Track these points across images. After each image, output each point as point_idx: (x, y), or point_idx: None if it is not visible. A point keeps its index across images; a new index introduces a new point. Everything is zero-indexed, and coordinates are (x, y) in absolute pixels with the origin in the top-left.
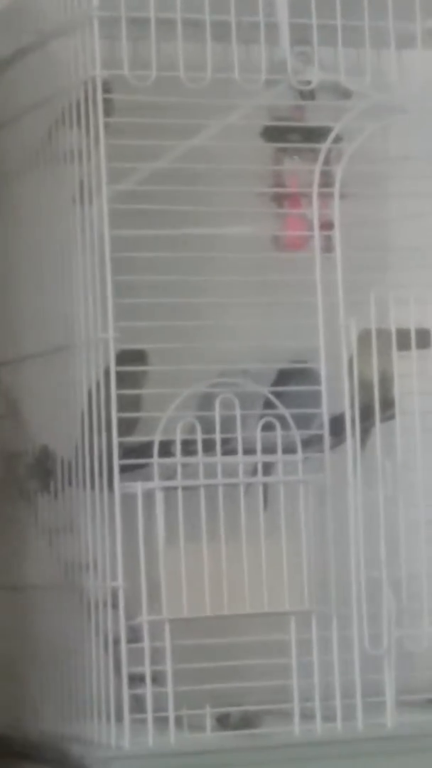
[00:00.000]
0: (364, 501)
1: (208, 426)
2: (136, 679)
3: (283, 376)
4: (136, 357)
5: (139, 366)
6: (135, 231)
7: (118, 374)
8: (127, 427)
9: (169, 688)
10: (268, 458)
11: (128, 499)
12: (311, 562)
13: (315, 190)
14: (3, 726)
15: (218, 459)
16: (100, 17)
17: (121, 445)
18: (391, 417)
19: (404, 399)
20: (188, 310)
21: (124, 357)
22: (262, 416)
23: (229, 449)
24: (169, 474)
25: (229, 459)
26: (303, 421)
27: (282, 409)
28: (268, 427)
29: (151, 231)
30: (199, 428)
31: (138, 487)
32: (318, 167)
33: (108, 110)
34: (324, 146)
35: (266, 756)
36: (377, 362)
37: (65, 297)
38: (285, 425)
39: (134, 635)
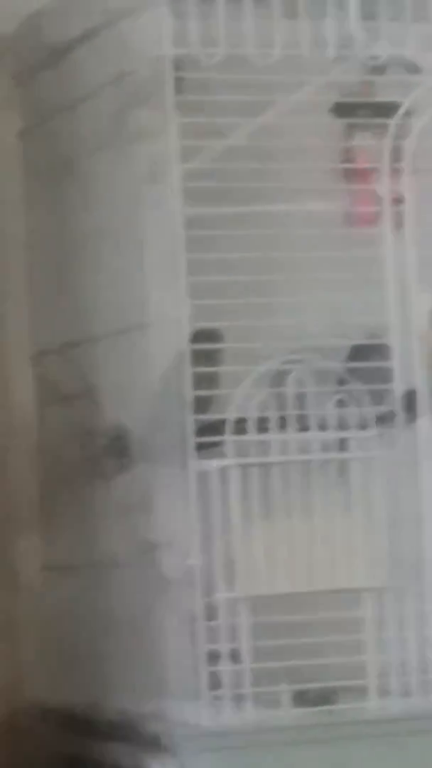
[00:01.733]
0: None
1: (281, 403)
2: (213, 657)
3: (357, 352)
4: (211, 336)
5: (209, 344)
6: (207, 209)
7: (194, 352)
8: (202, 405)
9: (247, 665)
10: (342, 435)
11: (203, 477)
12: (385, 538)
13: (385, 165)
14: (81, 705)
15: (292, 436)
16: None
17: (196, 423)
18: None
19: None
20: (261, 287)
21: (199, 336)
22: (335, 393)
23: (303, 426)
24: (243, 451)
25: (303, 436)
26: (376, 397)
27: (354, 385)
28: (341, 404)
29: (224, 209)
30: (273, 405)
31: (213, 465)
32: (388, 142)
33: (178, 89)
34: (393, 121)
35: (343, 732)
36: None
37: (139, 276)
38: (358, 401)
39: (211, 613)
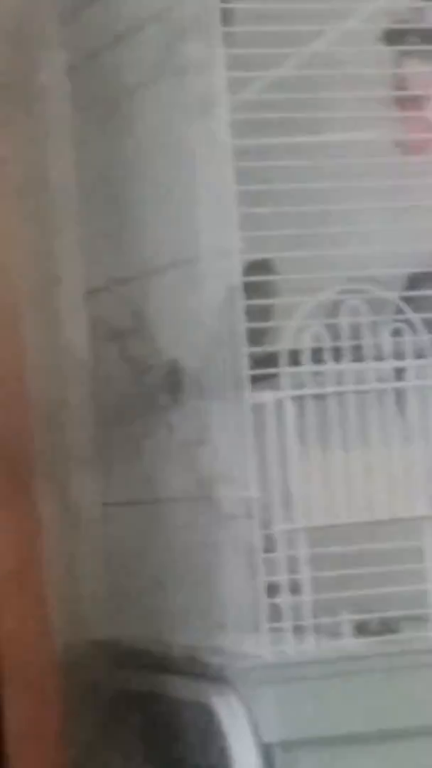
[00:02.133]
0: None
1: (336, 334)
2: (272, 589)
3: (413, 281)
4: (264, 267)
5: (262, 276)
6: (258, 140)
7: (246, 285)
8: (256, 337)
9: (307, 596)
10: (399, 364)
11: (259, 409)
12: None
13: None
14: (143, 640)
15: (347, 366)
16: None
17: (250, 355)
18: None
19: None
20: (314, 217)
21: (251, 268)
22: (391, 322)
23: (359, 356)
24: (298, 383)
25: (359, 366)
26: None
27: (410, 314)
28: (397, 333)
29: (274, 139)
30: (327, 336)
31: (268, 397)
32: None
33: (226, 19)
34: None
35: (405, 661)
36: None
37: (190, 209)
38: (415, 330)
39: (270, 545)
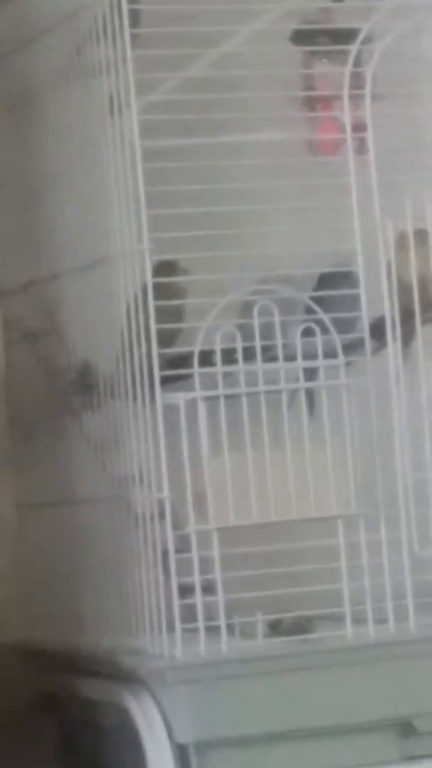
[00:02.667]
0: (408, 402)
1: (249, 334)
2: (186, 589)
3: (325, 281)
4: (174, 268)
5: (172, 276)
6: (167, 141)
7: (157, 286)
8: (168, 338)
9: (220, 596)
10: (309, 364)
11: (171, 410)
12: (357, 465)
13: (346, 92)
14: (57, 642)
15: (259, 366)
16: None
17: (162, 356)
18: None
19: None
20: (225, 218)
21: (161, 269)
22: (303, 322)
23: (271, 356)
24: (211, 384)
25: (270, 366)
26: (345, 326)
27: (321, 314)
28: (309, 333)
29: (183, 140)
30: (239, 336)
31: (180, 398)
32: (348, 69)
33: (135, 21)
34: (353, 47)
35: (319, 660)
36: (416, 263)
37: (101, 210)
38: (326, 330)
39: (183, 545)
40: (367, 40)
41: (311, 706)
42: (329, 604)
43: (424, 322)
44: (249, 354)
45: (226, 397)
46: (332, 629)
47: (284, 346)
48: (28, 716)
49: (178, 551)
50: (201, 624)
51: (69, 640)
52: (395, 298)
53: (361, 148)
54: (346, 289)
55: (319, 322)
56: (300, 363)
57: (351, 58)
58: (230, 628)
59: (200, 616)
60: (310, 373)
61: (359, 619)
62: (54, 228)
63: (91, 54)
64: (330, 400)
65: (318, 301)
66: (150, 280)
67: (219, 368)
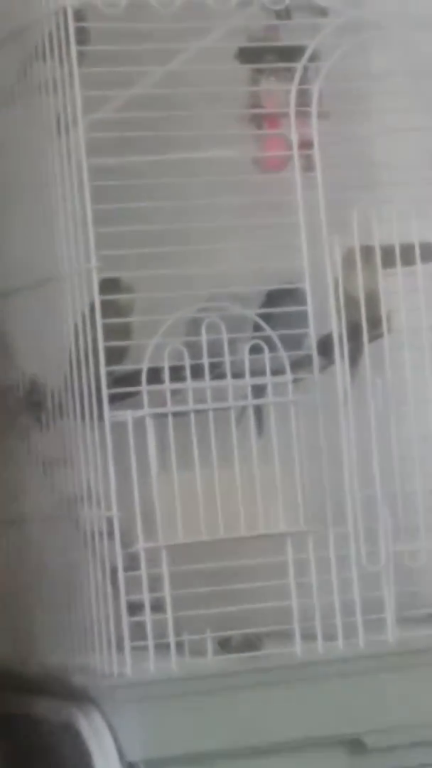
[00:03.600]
0: (356, 419)
1: (197, 352)
2: (135, 607)
3: (272, 298)
4: (119, 286)
5: (117, 294)
6: (113, 159)
7: (104, 303)
8: (116, 356)
9: (169, 614)
10: (257, 381)
11: (119, 428)
12: (305, 482)
13: (292, 109)
14: (6, 660)
15: (207, 384)
16: None
17: (110, 374)
18: (380, 335)
19: (392, 316)
20: (172, 236)
21: (106, 286)
22: (250, 339)
23: (219, 374)
24: (160, 402)
25: (218, 383)
26: (293, 343)
27: (269, 331)
28: (256, 350)
29: (130, 158)
30: (187, 354)
31: (128, 416)
32: (294, 86)
33: (81, 39)
34: (300, 65)
35: (269, 677)
36: (363, 280)
37: (49, 228)
38: (274, 347)
39: (132, 563)
40: (314, 57)
41: (261, 723)
42: (278, 621)
43: (372, 338)
44: (197, 371)
45: (175, 414)
46: (281, 646)
47: (232, 363)
48: None
49: (127, 569)
50: (150, 642)
51: (19, 658)
52: (343, 315)
53: (307, 165)
54: (294, 306)
55: (267, 339)
56: (248, 380)
57: (297, 76)
58: (180, 645)
59: (150, 633)
60: (259, 391)
61: (308, 636)
62: (1, 246)
63: (37, 72)
64: (278, 417)
65: (266, 318)
66: (98, 298)
67: (167, 385)
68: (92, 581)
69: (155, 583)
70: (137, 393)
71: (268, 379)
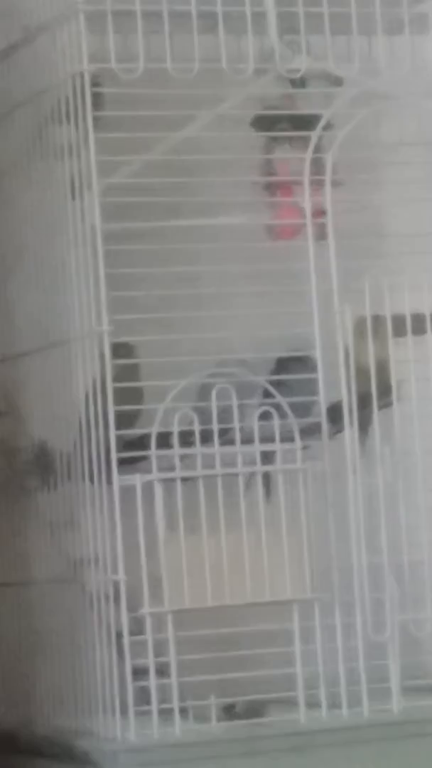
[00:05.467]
0: (364, 488)
1: (206, 417)
2: (140, 672)
3: (282, 365)
4: (123, 350)
5: (127, 359)
6: (127, 224)
7: (115, 368)
8: (127, 420)
9: (173, 680)
10: (266, 447)
11: (128, 492)
12: (312, 550)
13: (306, 177)
14: (10, 722)
15: (216, 449)
16: (86, 11)
17: (120, 438)
18: (389, 404)
19: (402, 385)
20: (184, 301)
21: (118, 351)
22: (260, 405)
23: (228, 440)
24: (169, 466)
25: (227, 449)
26: (302, 410)
27: (279, 398)
28: (266, 417)
29: (144, 223)
30: (196, 419)
31: (137, 480)
32: (309, 155)
33: (97, 104)
34: (314, 134)
35: (272, 745)
36: (374, 349)
37: (60, 292)
38: (284, 414)
39: (137, 628)
40: (328, 126)
41: None
42: (283, 689)
43: (381, 407)
44: (206, 437)
45: (183, 479)
46: (285, 713)
47: (241, 429)
48: None
49: (132, 633)
50: (154, 707)
51: (24, 721)
52: (353, 383)
53: (320, 233)
54: (304, 374)
55: (277, 406)
56: (257, 446)
57: (312, 144)
58: (184, 711)
59: (154, 698)
60: (267, 457)
61: (313, 704)
62: (13, 308)
63: (53, 136)
64: (286, 483)
65: (276, 384)
66: (109, 362)
67: (176, 450)
68: (97, 645)
69: (160, 647)
70: (146, 457)
71: (277, 446)
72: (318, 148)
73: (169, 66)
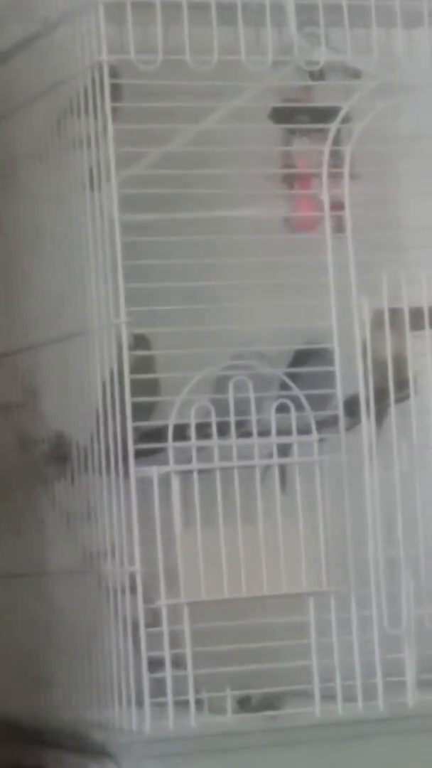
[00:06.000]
0: (381, 481)
1: (223, 409)
2: (156, 663)
3: (300, 358)
4: (139, 342)
5: (144, 350)
6: (145, 215)
7: (133, 359)
8: (144, 411)
9: (189, 672)
10: (283, 440)
11: (144, 484)
12: (329, 542)
13: (325, 170)
14: (26, 714)
15: (233, 441)
16: (106, 2)
17: (137, 429)
18: (406, 397)
19: (419, 378)
20: (202, 293)
21: (136, 342)
22: (277, 398)
23: (245, 432)
24: (185, 458)
25: (244, 441)
26: (319, 402)
27: (296, 390)
28: (283, 409)
29: (162, 215)
30: (213, 411)
31: (153, 471)
32: (327, 147)
33: (116, 95)
34: (333, 126)
35: (287, 737)
36: (391, 342)
37: (78, 283)
38: (300, 406)
39: (153, 619)
40: (346, 119)
41: None
42: (298, 681)
43: (398, 400)
44: (223, 429)
45: (200, 471)
46: (301, 706)
47: (258, 421)
48: None
49: (148, 625)
50: (170, 698)
51: (38, 712)
52: (370, 376)
53: (338, 226)
54: (321, 366)
55: (294, 399)
56: (274, 439)
57: (330, 137)
58: (199, 703)
59: (169, 690)
60: (284, 449)
61: (328, 697)
62: (31, 299)
63: (71, 127)
64: (303, 476)
65: (293, 377)
66: (126, 354)
67: (193, 442)
68: (113, 636)
69: (176, 639)
70: (163, 449)
71: (294, 439)
72: (336, 141)
73: (188, 57)
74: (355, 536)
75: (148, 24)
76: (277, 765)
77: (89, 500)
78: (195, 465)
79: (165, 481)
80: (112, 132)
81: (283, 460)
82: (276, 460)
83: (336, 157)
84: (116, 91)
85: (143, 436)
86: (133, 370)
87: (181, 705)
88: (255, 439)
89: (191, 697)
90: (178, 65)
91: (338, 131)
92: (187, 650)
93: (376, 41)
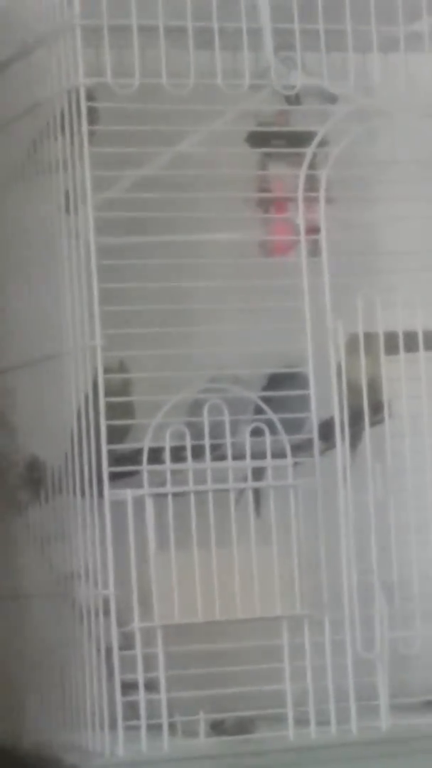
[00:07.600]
0: (355, 505)
1: (198, 432)
2: (129, 686)
3: (275, 381)
4: (115, 365)
5: (119, 373)
6: (121, 239)
7: (107, 382)
8: (119, 435)
9: (163, 695)
10: (258, 463)
11: (118, 507)
12: (302, 566)
13: (300, 194)
14: None
15: (208, 465)
16: (83, 25)
17: (111, 452)
18: (381, 421)
19: (393, 403)
20: (177, 316)
21: (110, 366)
22: (252, 421)
23: (219, 455)
24: (160, 481)
25: (219, 465)
26: (293, 426)
27: (270, 414)
28: (257, 433)
29: (138, 238)
30: (188, 434)
31: (128, 494)
32: (303, 171)
33: (92, 118)
34: (309, 150)
35: (260, 761)
36: (366, 366)
37: (53, 306)
38: (275, 430)
39: (127, 642)
40: (323, 143)
41: None
42: (272, 705)
43: (373, 424)
44: (198, 452)
45: (174, 494)
46: (274, 730)
47: (233, 445)
48: None
49: (121, 648)
50: (143, 722)
51: (11, 735)
52: (344, 400)
53: (313, 250)
54: (296, 390)
55: (269, 422)
56: (248, 462)
57: (306, 161)
58: (172, 726)
59: (143, 713)
60: (258, 473)
61: (301, 721)
62: (6, 322)
63: (48, 149)
64: (277, 500)
65: (267, 401)
66: (101, 377)
67: (168, 465)
68: (86, 659)
69: (149, 662)
70: (137, 472)
71: (268, 462)
72: (312, 165)
73: (164, 81)
74: (329, 560)
75: (124, 47)
76: None
77: (63, 523)
78: (169, 488)
79: (139, 504)
80: (89, 155)
81: (258, 484)
82: (250, 483)
83: (312, 182)
84: (93, 114)
85: (117, 459)
86: (108, 393)
87: (155, 728)
88: (230, 463)
89: (164, 720)
90: (154, 89)
91: (314, 155)
92: (161, 673)
93: (352, 66)
